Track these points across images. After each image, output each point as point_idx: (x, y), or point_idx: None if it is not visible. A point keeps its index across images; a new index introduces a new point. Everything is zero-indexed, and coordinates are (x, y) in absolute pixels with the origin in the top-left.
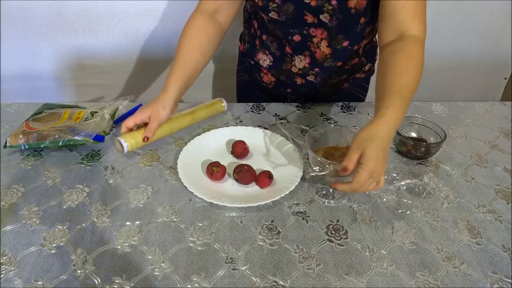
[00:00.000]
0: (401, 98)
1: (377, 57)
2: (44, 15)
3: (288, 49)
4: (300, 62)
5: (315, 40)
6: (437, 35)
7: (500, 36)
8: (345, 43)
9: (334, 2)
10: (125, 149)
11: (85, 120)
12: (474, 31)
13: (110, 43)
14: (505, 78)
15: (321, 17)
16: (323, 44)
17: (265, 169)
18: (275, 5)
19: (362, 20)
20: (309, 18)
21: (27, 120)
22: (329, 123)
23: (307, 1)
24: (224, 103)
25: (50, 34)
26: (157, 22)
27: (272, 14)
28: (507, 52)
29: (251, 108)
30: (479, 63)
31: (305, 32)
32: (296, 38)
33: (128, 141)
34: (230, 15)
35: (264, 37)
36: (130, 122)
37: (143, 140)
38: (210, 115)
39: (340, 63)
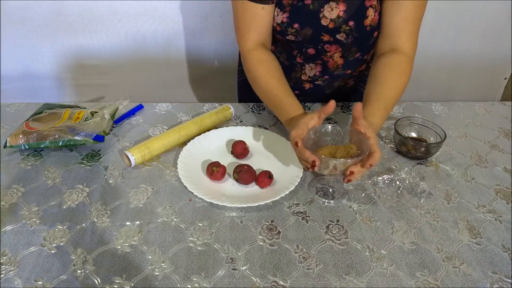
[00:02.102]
0: (385, 109)
1: None
2: (44, 15)
3: (299, 59)
4: (311, 70)
5: (329, 54)
6: (437, 35)
7: (500, 36)
8: (357, 55)
9: (351, 23)
10: (133, 163)
11: (85, 120)
12: (474, 31)
13: (110, 43)
14: (505, 78)
15: (337, 36)
16: (337, 55)
17: (265, 169)
18: (293, 30)
19: (375, 33)
20: (326, 38)
21: (27, 120)
22: (329, 123)
23: (325, 24)
24: (232, 110)
25: (50, 34)
26: (157, 22)
27: (290, 37)
28: (507, 52)
29: (251, 108)
30: (479, 63)
31: (319, 47)
32: (311, 51)
33: (135, 155)
34: (270, 30)
35: (272, 47)
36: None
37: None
38: (218, 122)
39: (349, 71)
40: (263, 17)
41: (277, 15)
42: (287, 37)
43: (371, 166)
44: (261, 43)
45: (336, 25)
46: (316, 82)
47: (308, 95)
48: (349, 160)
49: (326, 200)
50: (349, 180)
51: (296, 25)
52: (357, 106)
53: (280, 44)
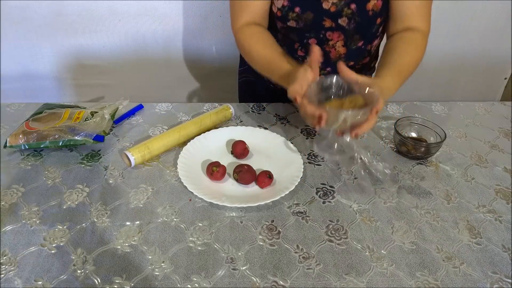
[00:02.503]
0: (399, 74)
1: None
2: (44, 15)
3: (300, 53)
4: None
5: (331, 42)
6: (437, 35)
7: (500, 36)
8: (360, 43)
9: (353, 6)
10: (133, 163)
11: (85, 120)
12: (474, 31)
13: (110, 43)
14: (505, 78)
15: (339, 21)
16: (339, 44)
17: (265, 169)
18: (294, 15)
19: (378, 20)
20: (327, 23)
21: (27, 120)
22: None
23: (327, 8)
24: (232, 109)
25: (50, 34)
26: (157, 22)
27: (291, 23)
28: (507, 52)
29: (251, 108)
30: (479, 63)
31: (321, 36)
32: (312, 41)
33: (135, 155)
34: (266, 18)
35: None
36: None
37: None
38: (218, 122)
39: (352, 63)
40: (257, 4)
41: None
42: (288, 23)
43: (377, 113)
44: (254, 23)
45: (338, 8)
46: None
47: None
48: (361, 112)
49: (326, 158)
50: (357, 135)
51: (297, 9)
52: (339, 64)
53: (281, 36)
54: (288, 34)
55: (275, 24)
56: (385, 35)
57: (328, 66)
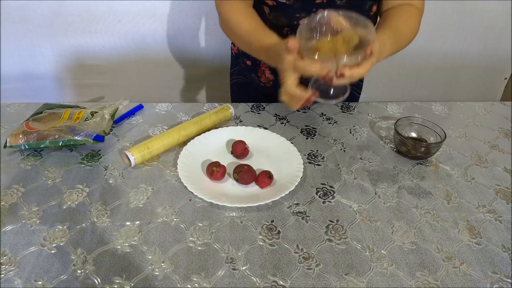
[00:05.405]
0: (395, 37)
1: None
2: (44, 15)
3: None
4: None
5: None
6: (437, 35)
7: (500, 36)
8: None
9: None
10: (133, 163)
11: (85, 120)
12: (474, 31)
13: (110, 43)
14: (505, 78)
15: None
16: None
17: (265, 169)
18: None
19: None
20: None
21: (27, 120)
22: (327, 120)
23: None
24: (232, 109)
25: (50, 34)
26: (157, 22)
27: None
28: (507, 52)
29: (251, 108)
30: (479, 63)
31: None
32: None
33: (135, 155)
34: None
35: None
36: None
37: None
38: (218, 122)
39: None
40: None
41: None
42: None
43: (371, 53)
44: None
45: None
46: None
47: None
48: (359, 57)
49: (325, 100)
50: (342, 74)
51: None
52: (331, 13)
53: (270, 25)
54: (278, 16)
55: (264, 10)
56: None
57: None
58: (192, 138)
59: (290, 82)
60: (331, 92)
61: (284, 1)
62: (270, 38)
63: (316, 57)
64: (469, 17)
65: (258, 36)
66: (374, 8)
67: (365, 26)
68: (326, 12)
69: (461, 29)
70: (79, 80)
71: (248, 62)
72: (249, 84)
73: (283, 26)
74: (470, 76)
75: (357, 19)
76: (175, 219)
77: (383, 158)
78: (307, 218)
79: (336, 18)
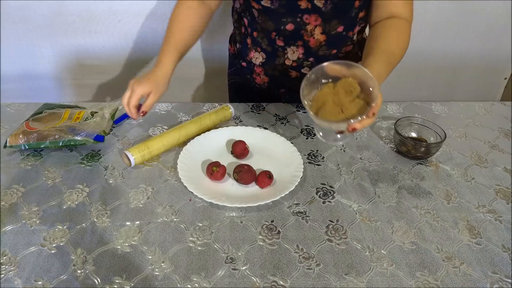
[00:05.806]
0: (387, 61)
1: None
2: (44, 15)
3: (279, 42)
4: (293, 54)
5: (308, 28)
6: (437, 35)
7: (500, 36)
8: (340, 29)
9: None
10: (133, 163)
11: (85, 120)
12: (474, 31)
13: (110, 43)
14: (505, 78)
15: (315, 1)
16: (317, 31)
17: (265, 169)
18: None
19: (357, 3)
20: (303, 4)
21: (27, 120)
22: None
23: None
24: (232, 109)
25: (50, 34)
26: (157, 22)
27: (265, 2)
28: (507, 52)
29: (251, 108)
30: (479, 63)
31: (298, 20)
32: (289, 27)
33: (135, 155)
34: None
35: (255, 34)
36: (134, 100)
37: (140, 114)
38: (218, 122)
39: (334, 51)
40: None
41: None
42: (262, 2)
43: (374, 115)
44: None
45: None
46: (302, 71)
47: (295, 94)
48: (364, 117)
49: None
50: (354, 129)
51: None
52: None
53: (260, 28)
54: (265, 20)
55: (254, 13)
56: (367, 25)
57: (310, 56)
58: (192, 138)
59: (127, 95)
60: (339, 136)
61: (269, 6)
62: (168, 54)
63: (324, 119)
64: (469, 17)
65: (172, 40)
66: (361, 14)
67: (359, 67)
68: (319, 66)
69: (461, 29)
70: (79, 80)
71: (243, 64)
72: (246, 84)
73: (271, 31)
74: (470, 76)
75: (349, 64)
76: (175, 219)
77: (383, 158)
78: (307, 218)
79: (330, 66)
